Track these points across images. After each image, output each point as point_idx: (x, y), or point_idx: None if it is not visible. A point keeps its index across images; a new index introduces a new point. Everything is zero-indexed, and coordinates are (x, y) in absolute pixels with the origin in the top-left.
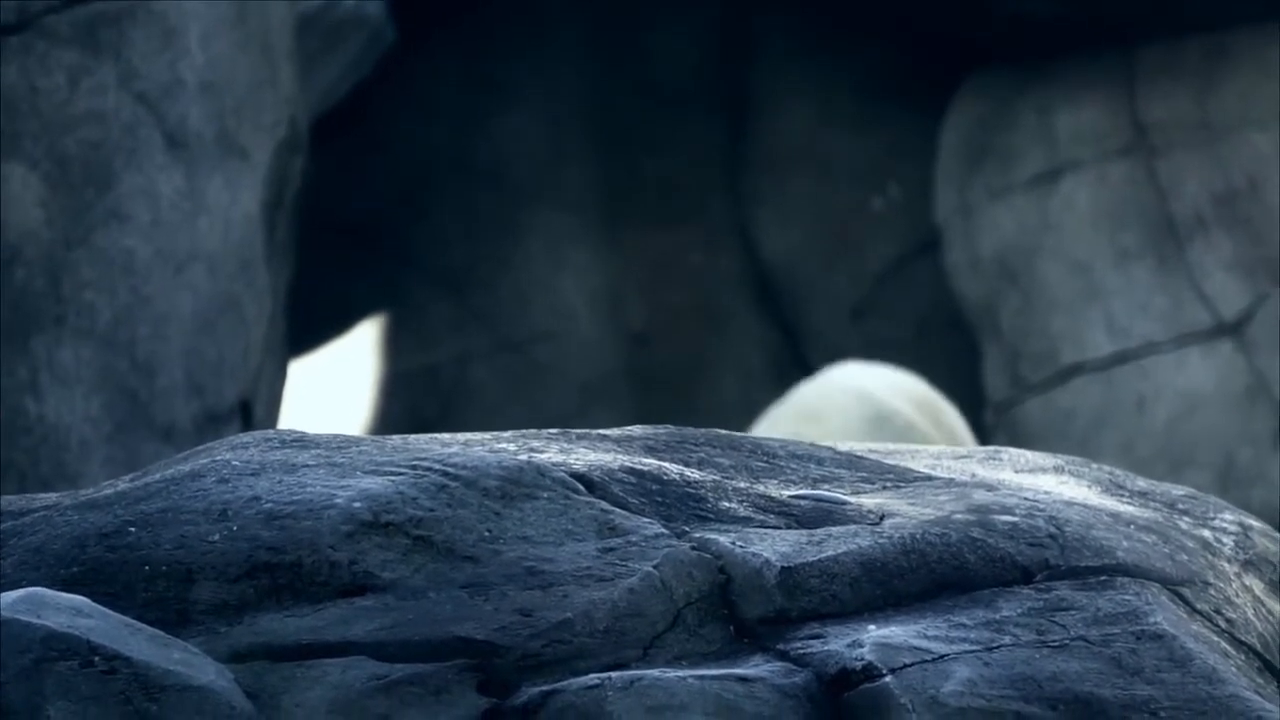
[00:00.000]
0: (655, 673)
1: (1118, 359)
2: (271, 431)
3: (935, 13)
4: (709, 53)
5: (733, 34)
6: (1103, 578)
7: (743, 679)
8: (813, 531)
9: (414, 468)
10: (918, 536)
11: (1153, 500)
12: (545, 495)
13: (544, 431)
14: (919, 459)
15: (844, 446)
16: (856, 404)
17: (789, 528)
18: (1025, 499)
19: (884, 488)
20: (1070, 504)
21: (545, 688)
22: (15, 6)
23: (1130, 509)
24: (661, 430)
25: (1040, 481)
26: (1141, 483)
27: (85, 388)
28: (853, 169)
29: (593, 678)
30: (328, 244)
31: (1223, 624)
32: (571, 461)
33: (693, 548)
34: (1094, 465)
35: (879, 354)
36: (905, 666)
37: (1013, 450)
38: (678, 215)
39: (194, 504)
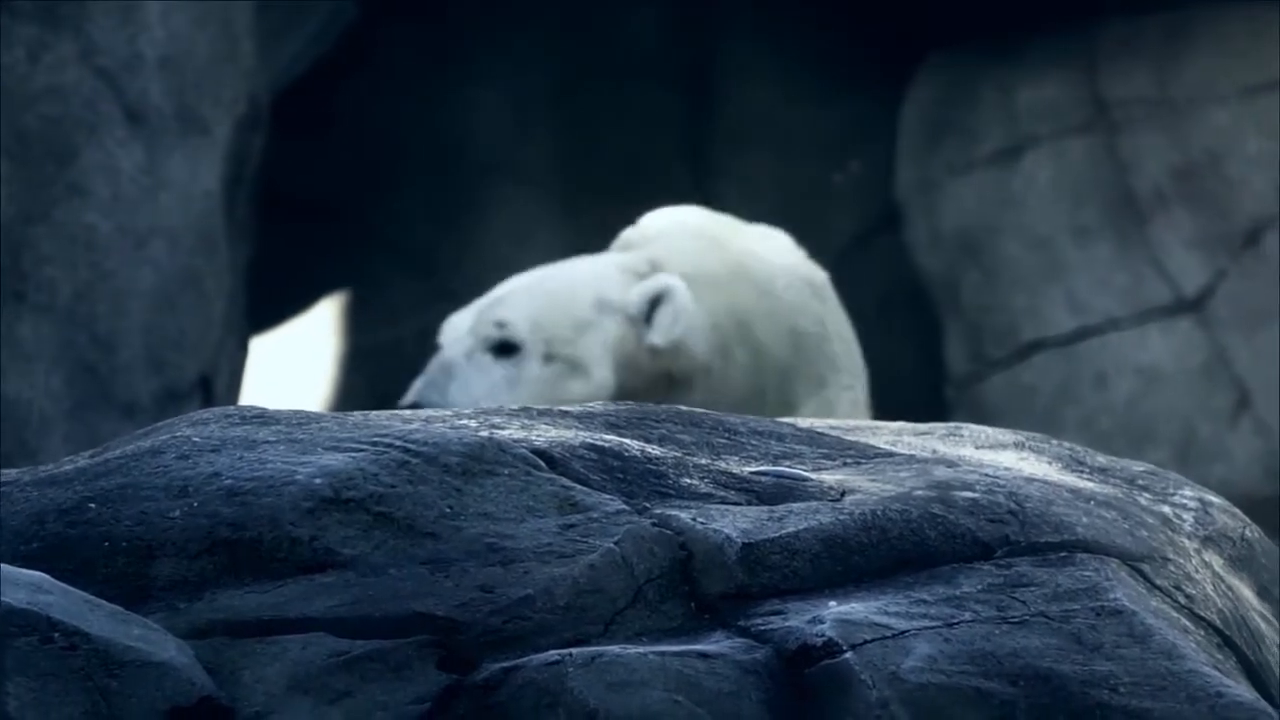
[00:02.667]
0: (616, 649)
1: (1078, 335)
2: (232, 408)
3: None
4: (672, 28)
5: (695, 9)
6: (1063, 554)
7: (703, 655)
8: (774, 508)
9: (375, 444)
10: (878, 513)
11: (1112, 476)
12: (506, 472)
13: (505, 408)
14: (880, 435)
15: (805, 423)
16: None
17: (750, 504)
18: (986, 475)
19: (845, 464)
20: (1030, 480)
21: (506, 664)
22: None
23: (1090, 485)
24: (623, 407)
25: (1001, 458)
26: (1101, 459)
27: (45, 364)
28: (814, 144)
29: (553, 654)
30: (289, 220)
31: (1182, 600)
32: (533, 438)
33: (654, 524)
34: (1054, 441)
35: None
36: (865, 643)
37: (973, 426)
38: (641, 191)
39: (154, 480)
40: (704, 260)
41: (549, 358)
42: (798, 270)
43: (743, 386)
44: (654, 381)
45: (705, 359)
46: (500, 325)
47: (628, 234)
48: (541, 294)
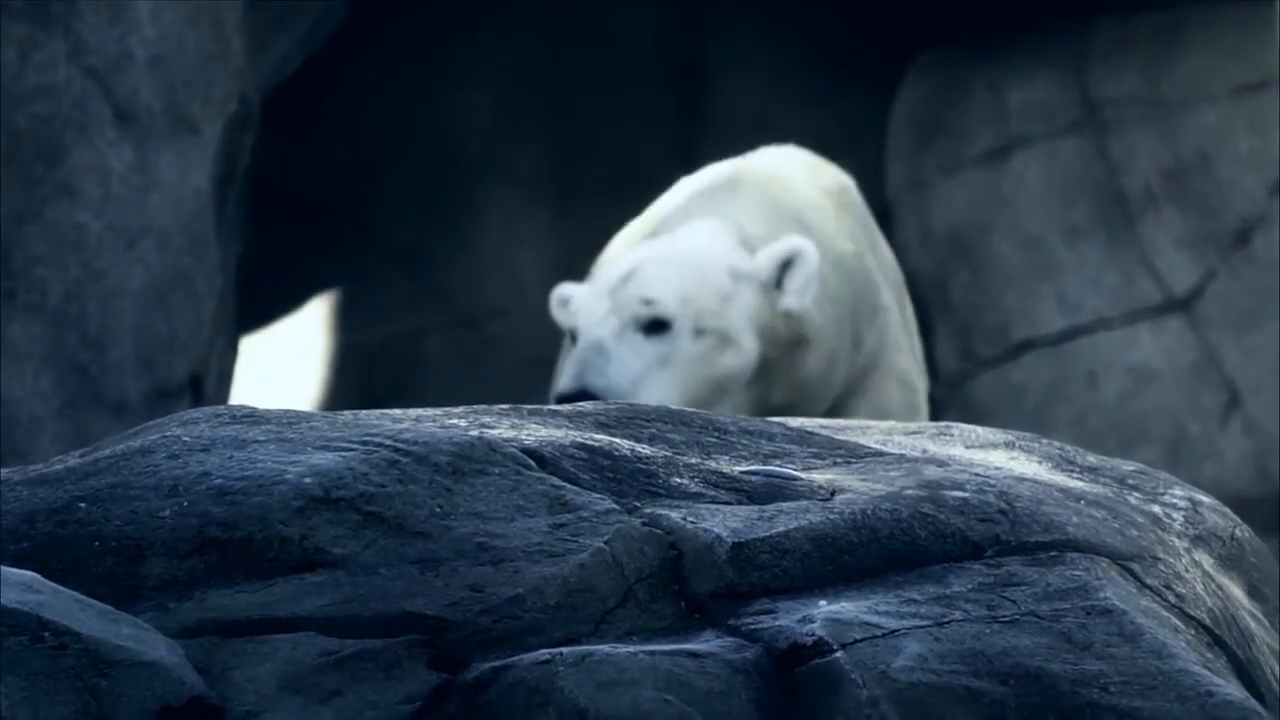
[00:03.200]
0: (606, 648)
1: (1069, 334)
2: (222, 407)
3: None
4: (662, 27)
5: (687, 9)
6: (1053, 553)
7: (694, 654)
8: (764, 507)
9: (365, 443)
10: (869, 512)
11: (1103, 476)
12: (496, 471)
13: (495, 407)
14: (870, 435)
15: (795, 422)
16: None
17: (740, 503)
18: (976, 475)
19: (835, 463)
20: (1021, 479)
21: (496, 663)
22: None
23: (1080, 484)
24: (613, 406)
25: (991, 457)
26: (1092, 458)
27: (35, 363)
28: (805, 144)
29: (544, 653)
30: (280, 219)
31: (1172, 599)
32: (523, 437)
33: (644, 523)
34: (1044, 441)
35: None
36: (856, 642)
37: (963, 426)
38: (631, 189)
39: (144, 480)
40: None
41: (699, 332)
42: (820, 188)
43: (836, 338)
44: (788, 346)
45: (823, 319)
46: (648, 303)
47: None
48: (682, 268)
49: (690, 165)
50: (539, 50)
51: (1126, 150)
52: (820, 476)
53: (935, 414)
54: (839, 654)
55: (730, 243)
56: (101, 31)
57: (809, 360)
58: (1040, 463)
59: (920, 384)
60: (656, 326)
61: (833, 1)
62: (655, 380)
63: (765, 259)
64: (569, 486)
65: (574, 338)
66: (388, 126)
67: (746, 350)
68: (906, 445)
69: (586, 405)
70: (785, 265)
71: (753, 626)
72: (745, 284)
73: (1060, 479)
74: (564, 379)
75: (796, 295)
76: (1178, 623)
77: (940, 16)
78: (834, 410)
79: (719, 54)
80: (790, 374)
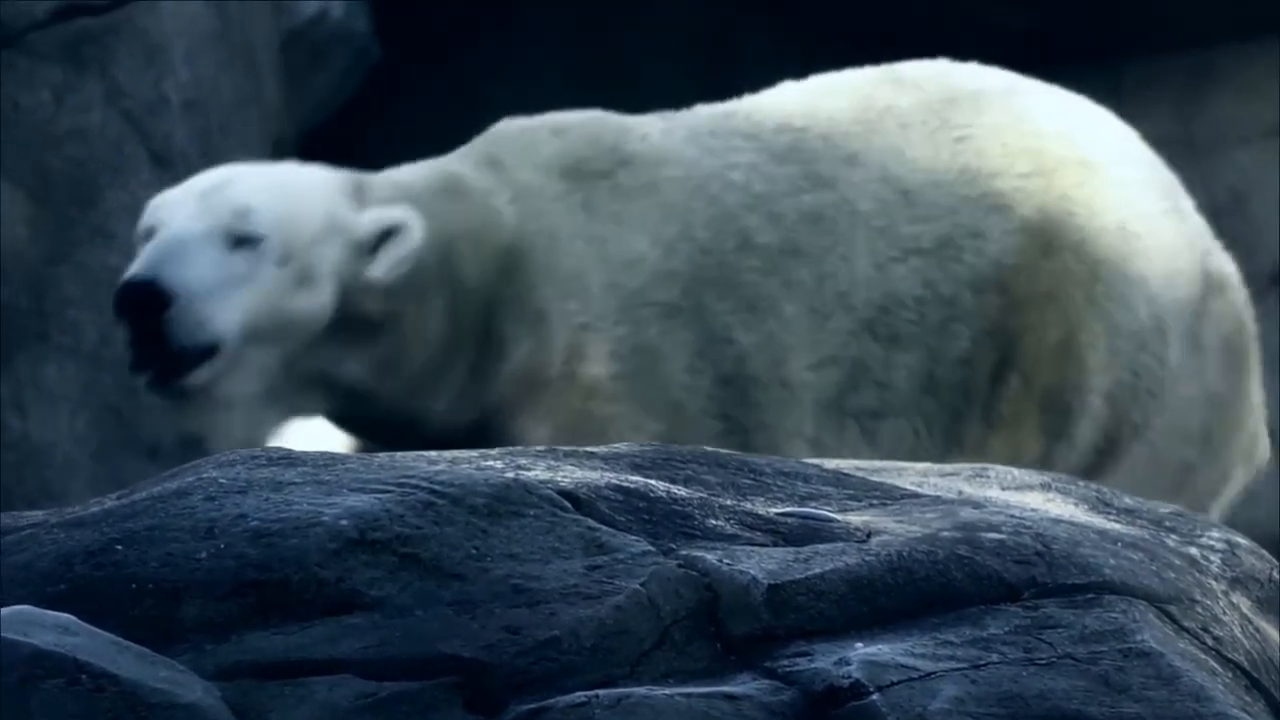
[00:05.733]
0: (642, 690)
1: None
2: (258, 449)
3: (920, 25)
4: (692, 66)
5: (716, 47)
6: (1089, 595)
7: (730, 697)
8: (800, 549)
9: (401, 485)
10: (905, 554)
11: (1139, 518)
12: (532, 513)
13: (531, 449)
14: (906, 476)
15: (830, 464)
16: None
17: (776, 545)
18: (1012, 516)
19: (871, 505)
20: (1057, 521)
21: (532, 705)
22: None
23: (1117, 526)
24: (649, 447)
25: (1027, 499)
26: (1128, 500)
27: (70, 405)
28: None
29: (580, 695)
30: None
31: (1210, 641)
32: (558, 479)
33: (680, 565)
34: (1081, 483)
35: None
36: (892, 684)
37: (999, 467)
38: None
39: (181, 522)
40: (415, 178)
41: (285, 259)
42: (559, 169)
43: (437, 333)
44: (373, 323)
45: (420, 308)
46: (241, 214)
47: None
48: (284, 191)
49: None
50: (570, 91)
51: None
52: (856, 518)
53: None
54: (875, 696)
55: (339, 193)
56: (137, 75)
57: (402, 345)
58: (1076, 504)
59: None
60: (244, 241)
61: (865, 38)
62: (230, 297)
63: (368, 221)
64: (605, 528)
65: (149, 237)
66: None
67: (322, 300)
68: (942, 487)
69: (622, 447)
70: (386, 234)
71: (789, 669)
72: (337, 235)
73: (1097, 521)
74: (136, 265)
75: (383, 268)
76: (1215, 665)
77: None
78: (483, 424)
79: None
80: (372, 353)
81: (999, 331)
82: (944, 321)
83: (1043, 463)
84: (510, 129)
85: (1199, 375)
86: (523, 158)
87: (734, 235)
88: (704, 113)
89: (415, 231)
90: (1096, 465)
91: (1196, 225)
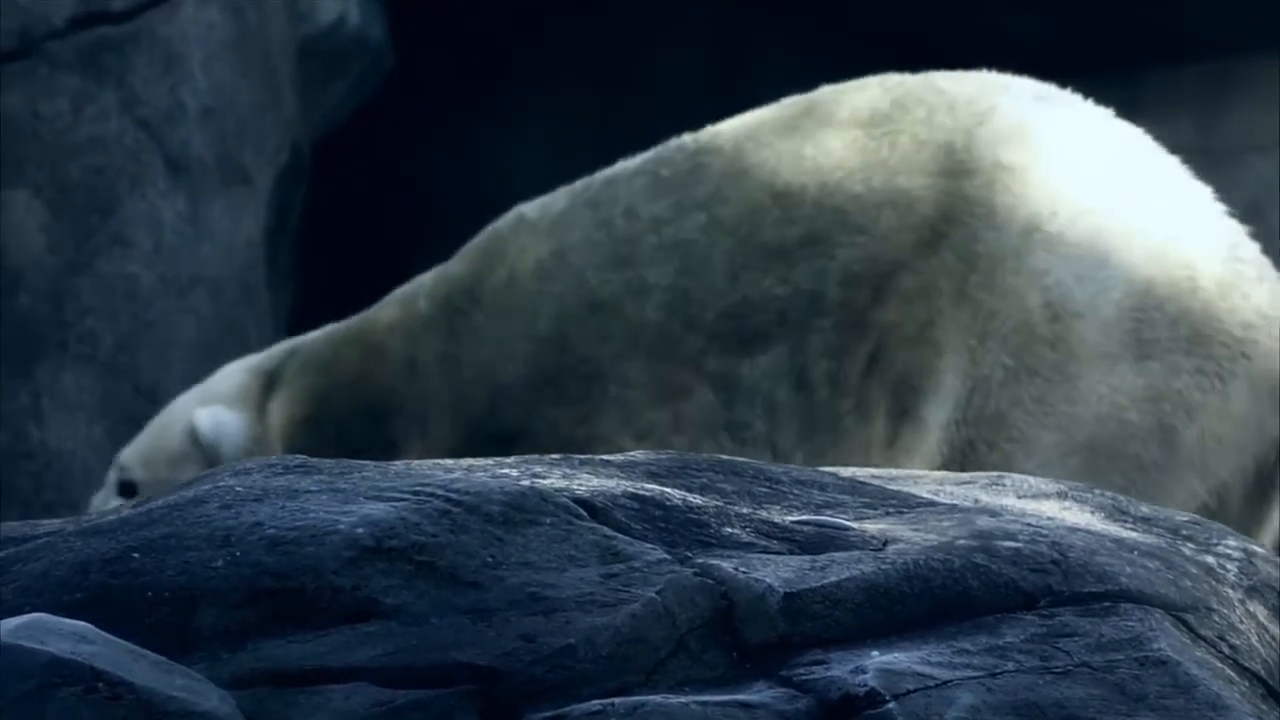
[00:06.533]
0: (658, 699)
1: None
2: (275, 457)
3: (939, 39)
4: (710, 75)
5: (734, 61)
6: (1106, 604)
7: (745, 705)
8: (816, 557)
9: (416, 493)
10: (921, 562)
11: (1156, 526)
12: (548, 521)
13: (546, 457)
14: (922, 485)
15: (846, 472)
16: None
17: (792, 553)
18: (1028, 525)
19: (887, 513)
20: (1073, 530)
21: (548, 713)
22: (18, 32)
23: (1133, 535)
24: (664, 455)
25: (1043, 507)
26: (1145, 508)
27: (88, 414)
28: None
29: (595, 704)
30: (331, 268)
31: (1226, 650)
32: (574, 487)
33: (695, 573)
34: (1097, 491)
35: None
36: (909, 693)
37: (1016, 475)
38: None
39: (197, 530)
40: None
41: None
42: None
43: None
44: None
45: None
46: (121, 468)
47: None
48: (150, 430)
49: None
50: (588, 100)
51: None
52: (873, 527)
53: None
54: (891, 705)
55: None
56: (154, 83)
57: None
58: (1093, 513)
59: None
60: (127, 489)
61: (881, 49)
62: None
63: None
64: (621, 536)
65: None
66: (437, 176)
67: None
68: (959, 495)
69: (637, 455)
70: (215, 435)
71: (805, 677)
72: (196, 447)
73: (1113, 529)
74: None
75: (231, 458)
76: (1232, 674)
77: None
78: None
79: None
80: None
81: (868, 325)
82: (806, 318)
83: (891, 445)
84: None
85: (1144, 371)
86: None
87: (581, 305)
88: (599, 178)
89: (210, 426)
90: (971, 449)
91: (1172, 224)
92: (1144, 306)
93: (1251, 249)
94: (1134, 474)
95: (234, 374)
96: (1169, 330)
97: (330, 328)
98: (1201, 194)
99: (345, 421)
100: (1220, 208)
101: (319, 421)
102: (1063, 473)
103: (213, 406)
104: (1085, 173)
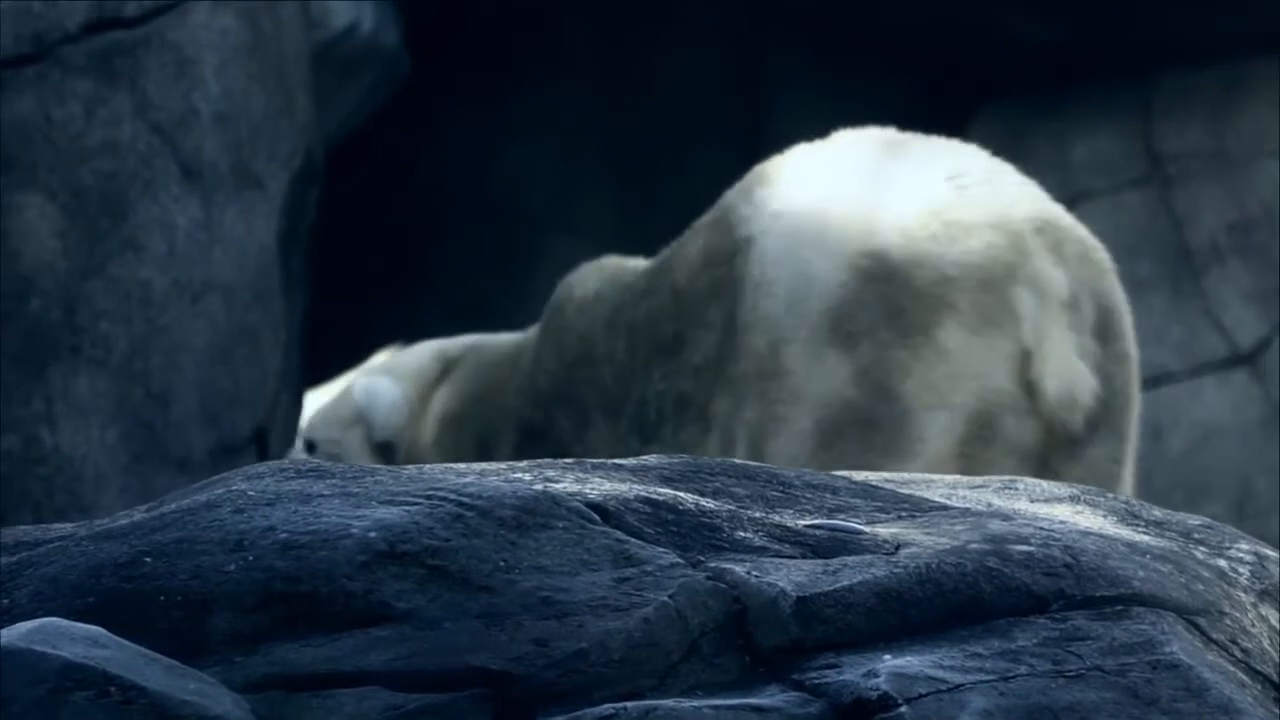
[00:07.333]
0: (670, 703)
1: None
2: (287, 462)
3: (950, 42)
4: (723, 82)
5: (747, 63)
6: (1118, 607)
7: (758, 709)
8: (828, 561)
9: (429, 498)
10: (933, 566)
11: (1168, 530)
12: (560, 525)
13: (559, 461)
14: (934, 489)
15: (859, 476)
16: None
17: (804, 557)
18: (1041, 529)
19: (899, 517)
20: (1086, 534)
21: (561, 717)
22: (31, 37)
23: (1146, 539)
24: (677, 460)
25: (1056, 511)
26: (1157, 512)
27: (101, 418)
28: None
29: (608, 707)
30: (343, 273)
31: (1239, 654)
32: (587, 491)
33: (708, 577)
34: (1109, 495)
35: None
36: (921, 696)
37: (1028, 479)
38: None
39: (209, 534)
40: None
41: (332, 458)
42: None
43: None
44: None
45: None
46: (307, 427)
47: None
48: (333, 394)
49: None
50: (600, 104)
51: (1191, 204)
52: (885, 530)
53: None
54: (904, 708)
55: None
56: (167, 88)
57: None
58: (1105, 517)
59: None
60: (310, 447)
61: (895, 56)
62: None
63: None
64: (633, 540)
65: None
66: (450, 181)
67: None
68: (971, 499)
69: (650, 459)
70: (367, 402)
71: (817, 681)
72: (360, 419)
73: (1126, 533)
74: None
75: (378, 428)
76: (1244, 678)
77: (1002, 71)
78: None
79: (781, 107)
80: None
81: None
82: (648, 355)
83: (692, 448)
84: None
85: (852, 357)
86: None
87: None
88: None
89: (382, 392)
90: (757, 440)
91: (866, 218)
92: (842, 304)
93: (962, 203)
94: (868, 433)
95: (421, 353)
96: (869, 314)
97: (512, 335)
98: (915, 165)
99: (483, 434)
100: (947, 168)
101: (461, 423)
102: (808, 449)
103: (378, 377)
104: (779, 206)
